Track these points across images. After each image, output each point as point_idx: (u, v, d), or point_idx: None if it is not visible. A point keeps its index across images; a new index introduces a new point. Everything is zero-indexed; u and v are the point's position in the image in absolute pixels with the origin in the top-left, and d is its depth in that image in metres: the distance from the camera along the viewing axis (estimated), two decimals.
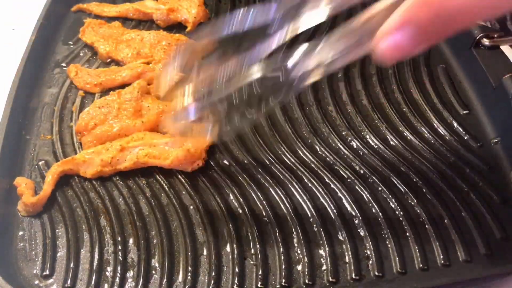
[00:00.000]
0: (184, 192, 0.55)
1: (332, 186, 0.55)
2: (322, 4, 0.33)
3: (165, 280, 0.48)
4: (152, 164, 0.57)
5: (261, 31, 0.34)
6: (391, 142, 0.60)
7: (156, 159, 0.56)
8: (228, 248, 0.51)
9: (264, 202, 0.54)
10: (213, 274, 0.48)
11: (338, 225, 0.52)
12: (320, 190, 0.55)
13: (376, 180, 0.55)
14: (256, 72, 0.36)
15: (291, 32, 0.35)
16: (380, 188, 0.55)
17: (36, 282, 0.49)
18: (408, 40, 0.30)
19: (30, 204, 0.52)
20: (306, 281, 0.48)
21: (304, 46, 0.36)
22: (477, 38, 0.64)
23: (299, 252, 0.50)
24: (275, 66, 0.35)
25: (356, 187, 0.55)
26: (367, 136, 0.60)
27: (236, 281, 0.48)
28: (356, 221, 0.52)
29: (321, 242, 0.51)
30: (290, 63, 0.35)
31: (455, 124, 0.61)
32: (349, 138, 0.60)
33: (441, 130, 0.61)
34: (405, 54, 0.31)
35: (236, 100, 0.36)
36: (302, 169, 0.57)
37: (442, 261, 0.49)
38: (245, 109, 0.37)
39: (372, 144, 0.60)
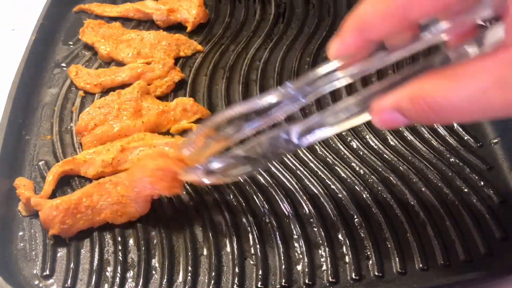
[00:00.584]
0: (184, 192, 0.55)
1: (332, 186, 0.55)
2: (336, 76, 0.36)
3: (165, 280, 0.48)
4: None
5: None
6: (391, 142, 0.60)
7: None
8: (228, 248, 0.51)
9: (264, 202, 0.54)
10: (213, 274, 0.48)
11: (338, 225, 0.52)
12: (320, 190, 0.55)
13: (376, 180, 0.55)
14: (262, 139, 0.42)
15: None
16: (380, 188, 0.55)
17: (36, 282, 0.49)
18: (399, 121, 0.32)
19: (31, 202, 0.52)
20: (306, 281, 0.48)
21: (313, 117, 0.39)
22: None
23: (299, 252, 0.50)
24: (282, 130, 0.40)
25: (356, 187, 0.55)
26: (367, 136, 0.60)
27: (236, 281, 0.48)
28: (356, 221, 0.52)
29: (321, 242, 0.51)
30: (295, 128, 0.40)
31: (455, 124, 0.61)
32: (349, 138, 0.60)
33: (441, 130, 0.61)
34: (397, 127, 0.34)
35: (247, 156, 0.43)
36: (302, 169, 0.57)
37: (442, 261, 0.49)
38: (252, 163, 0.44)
39: (372, 144, 0.60)
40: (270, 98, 0.38)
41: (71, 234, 0.51)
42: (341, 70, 0.35)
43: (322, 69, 0.36)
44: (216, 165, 0.44)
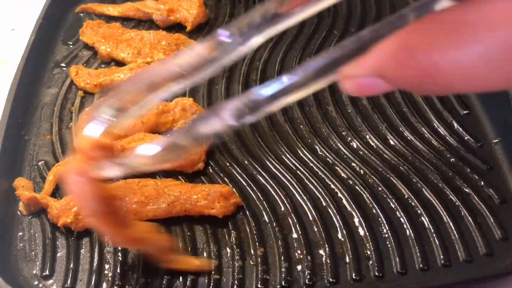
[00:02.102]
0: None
1: (332, 186, 0.55)
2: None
3: (165, 280, 0.48)
4: None
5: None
6: (391, 142, 0.60)
7: None
8: (228, 248, 0.51)
9: (264, 202, 0.54)
10: (213, 274, 0.48)
11: (338, 225, 0.52)
12: (320, 190, 0.55)
13: (376, 180, 0.55)
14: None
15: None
16: (380, 188, 0.55)
17: (36, 282, 0.49)
18: (380, 87, 0.23)
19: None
20: (306, 281, 0.48)
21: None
22: None
23: (299, 252, 0.50)
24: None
25: (356, 187, 0.55)
26: (367, 136, 0.60)
27: (236, 281, 0.48)
28: (356, 221, 0.52)
29: (321, 242, 0.51)
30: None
31: (455, 124, 0.61)
32: (349, 138, 0.60)
33: (441, 130, 0.61)
34: (376, 94, 0.24)
35: None
36: (302, 169, 0.57)
37: (442, 261, 0.49)
38: None
39: (372, 144, 0.60)
40: (196, 51, 0.28)
41: (80, 228, 0.51)
42: (281, 14, 0.26)
43: (257, 13, 0.27)
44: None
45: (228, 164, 0.58)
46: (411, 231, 0.51)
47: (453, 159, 0.57)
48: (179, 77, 0.29)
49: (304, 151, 0.59)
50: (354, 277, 0.48)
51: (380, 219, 0.52)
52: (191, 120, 0.31)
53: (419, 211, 0.53)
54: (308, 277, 0.48)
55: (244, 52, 0.27)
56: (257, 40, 0.27)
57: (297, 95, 0.27)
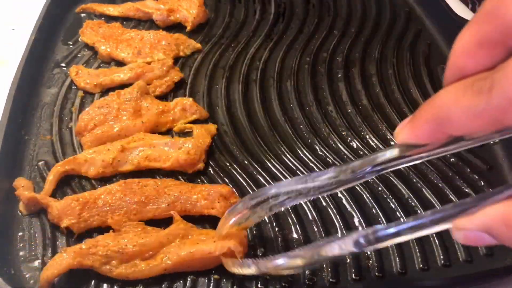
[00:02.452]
0: None
1: None
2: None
3: (165, 281, 0.48)
4: (153, 167, 0.56)
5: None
6: (391, 142, 0.60)
7: (156, 161, 0.56)
8: None
9: None
10: (214, 274, 0.48)
11: (338, 225, 0.52)
12: None
13: (376, 180, 0.55)
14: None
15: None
16: (380, 188, 0.55)
17: (36, 282, 0.48)
18: (486, 240, 0.28)
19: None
20: (306, 281, 0.48)
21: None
22: None
23: None
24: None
25: (356, 187, 0.55)
26: (367, 136, 0.60)
27: (236, 281, 0.48)
28: (356, 221, 0.52)
29: None
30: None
31: None
32: (349, 138, 0.60)
33: None
34: (476, 245, 0.29)
35: None
36: (302, 169, 0.57)
37: (442, 261, 0.49)
38: None
39: (372, 144, 0.60)
40: (326, 176, 0.36)
41: (82, 229, 0.51)
42: (405, 156, 0.31)
43: (385, 154, 0.33)
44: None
45: (228, 164, 0.58)
46: None
47: (453, 159, 0.57)
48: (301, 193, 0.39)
49: (304, 151, 0.59)
50: (354, 277, 0.48)
51: (380, 219, 0.52)
52: (318, 243, 0.39)
53: (419, 211, 0.53)
54: (308, 277, 0.48)
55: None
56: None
57: (411, 236, 0.33)
